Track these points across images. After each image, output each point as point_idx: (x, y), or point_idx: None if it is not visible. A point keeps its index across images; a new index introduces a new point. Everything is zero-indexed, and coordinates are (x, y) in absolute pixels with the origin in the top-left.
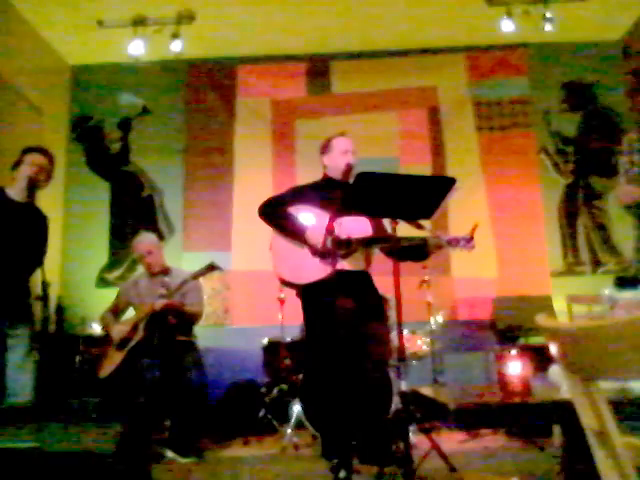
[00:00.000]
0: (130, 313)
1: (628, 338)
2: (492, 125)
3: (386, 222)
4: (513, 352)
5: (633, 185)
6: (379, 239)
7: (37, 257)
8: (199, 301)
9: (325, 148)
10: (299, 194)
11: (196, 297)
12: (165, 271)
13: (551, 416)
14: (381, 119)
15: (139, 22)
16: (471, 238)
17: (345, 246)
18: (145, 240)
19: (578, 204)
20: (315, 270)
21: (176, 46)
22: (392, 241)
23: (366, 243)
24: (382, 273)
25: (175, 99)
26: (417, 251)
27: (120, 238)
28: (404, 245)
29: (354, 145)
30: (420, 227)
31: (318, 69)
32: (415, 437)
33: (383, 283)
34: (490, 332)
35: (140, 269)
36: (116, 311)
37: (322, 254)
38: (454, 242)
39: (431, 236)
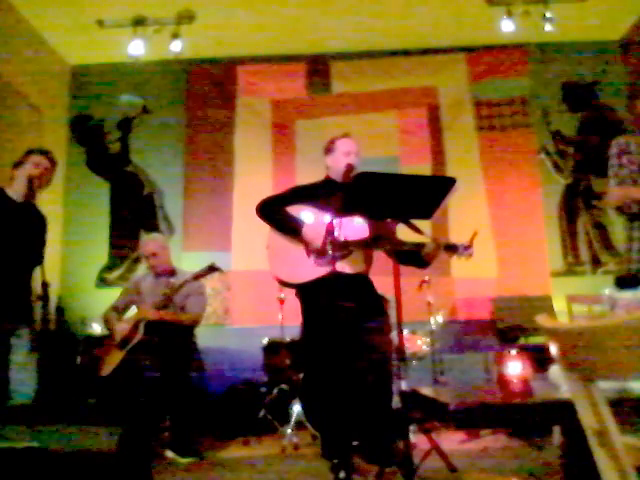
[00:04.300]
0: (133, 311)
1: (628, 338)
2: (492, 125)
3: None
4: (513, 352)
5: (623, 187)
6: (376, 241)
7: (36, 257)
8: (201, 305)
9: (329, 149)
10: (299, 194)
11: (198, 300)
12: (171, 272)
13: (551, 416)
14: (381, 119)
15: (139, 22)
16: (470, 246)
17: (342, 248)
18: (151, 242)
19: (578, 204)
20: (312, 269)
21: (176, 46)
22: (389, 244)
23: (363, 245)
24: (382, 273)
25: (175, 99)
26: (416, 256)
27: (120, 238)
28: (402, 249)
29: (357, 146)
30: (419, 232)
31: (318, 69)
32: (415, 437)
33: (383, 283)
34: (490, 332)
35: (142, 268)
36: (118, 309)
37: (317, 254)
38: (452, 249)
39: (430, 241)
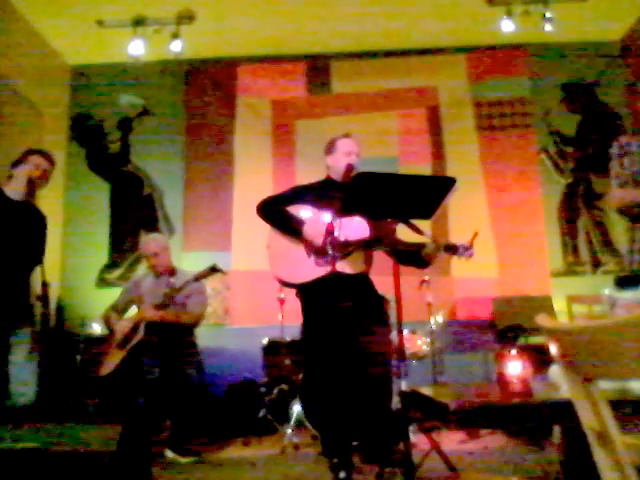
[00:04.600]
0: (133, 311)
1: (628, 338)
2: (492, 125)
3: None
4: (513, 352)
5: (624, 188)
6: (376, 241)
7: (35, 256)
8: (202, 305)
9: (329, 149)
10: (299, 194)
11: (199, 300)
12: (171, 272)
13: (551, 416)
14: (381, 119)
15: (139, 22)
16: (470, 246)
17: (343, 248)
18: (152, 242)
19: (578, 204)
20: (312, 269)
21: (176, 46)
22: (389, 244)
23: (364, 245)
24: (382, 273)
25: (175, 99)
26: (416, 256)
27: (120, 238)
28: (401, 249)
29: (358, 147)
30: (419, 232)
31: (318, 69)
32: (415, 437)
33: (383, 283)
34: (490, 332)
35: (142, 268)
36: (118, 309)
37: (317, 254)
38: (453, 249)
39: (430, 241)
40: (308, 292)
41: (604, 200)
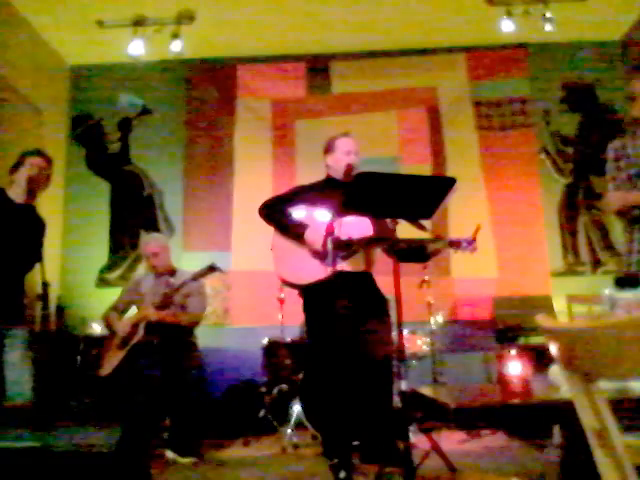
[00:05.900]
0: (133, 311)
1: (628, 338)
2: (492, 125)
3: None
4: (513, 352)
5: (621, 191)
6: (380, 240)
7: (31, 260)
8: (201, 305)
9: (328, 148)
10: (301, 194)
11: (199, 300)
12: (171, 272)
13: (551, 416)
14: (381, 119)
15: (139, 22)
16: (473, 240)
17: (345, 247)
18: (152, 242)
19: (578, 204)
20: (316, 270)
21: (176, 46)
22: (393, 242)
23: (367, 244)
24: (382, 273)
25: (175, 99)
26: (418, 253)
27: (120, 238)
28: (407, 247)
29: (357, 145)
30: (422, 228)
31: (318, 69)
32: (415, 437)
33: (383, 283)
34: (490, 332)
35: (142, 268)
36: (118, 309)
37: (321, 256)
38: (456, 244)
39: (433, 237)
40: (312, 293)
41: (602, 202)
